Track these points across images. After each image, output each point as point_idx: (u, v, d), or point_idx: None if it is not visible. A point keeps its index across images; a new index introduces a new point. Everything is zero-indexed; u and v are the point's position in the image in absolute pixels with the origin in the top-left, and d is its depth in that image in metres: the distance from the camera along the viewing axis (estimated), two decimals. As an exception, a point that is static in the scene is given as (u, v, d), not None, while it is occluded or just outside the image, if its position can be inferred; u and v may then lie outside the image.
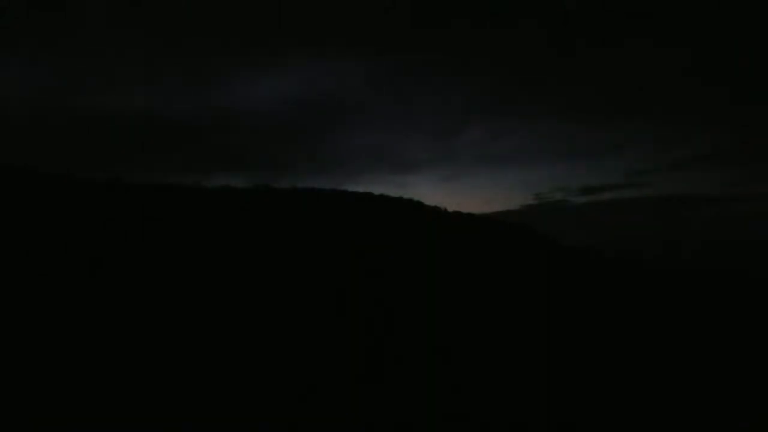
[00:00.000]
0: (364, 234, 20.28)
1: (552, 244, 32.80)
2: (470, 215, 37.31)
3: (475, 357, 9.23)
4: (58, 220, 13.07)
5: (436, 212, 34.92)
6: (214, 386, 6.41)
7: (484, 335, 10.74)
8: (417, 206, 35.15)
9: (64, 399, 5.35)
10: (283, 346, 8.23)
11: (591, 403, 7.74)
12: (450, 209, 36.69)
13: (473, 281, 16.21)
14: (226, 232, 15.63)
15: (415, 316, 11.24)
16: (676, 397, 8.38)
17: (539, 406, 7.41)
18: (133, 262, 11.02)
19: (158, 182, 25.77)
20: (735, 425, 7.48)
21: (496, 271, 18.78)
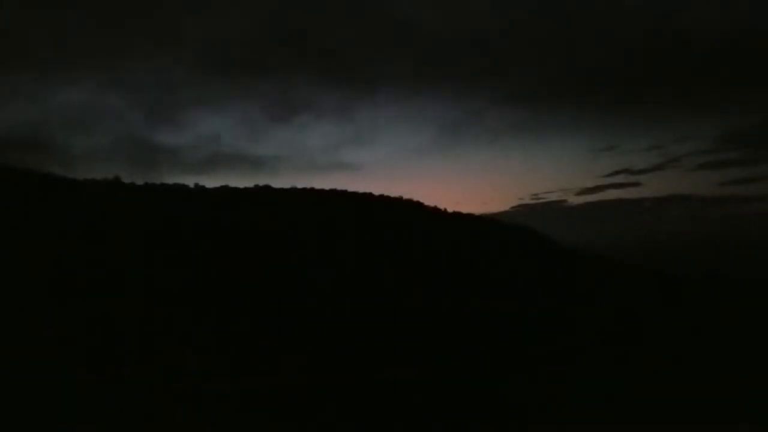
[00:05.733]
0: (365, 233, 20.26)
1: (553, 245, 32.85)
2: (470, 215, 37.38)
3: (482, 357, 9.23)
4: (57, 219, 13.04)
5: (436, 212, 34.98)
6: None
7: (484, 336, 10.74)
8: (417, 206, 35.20)
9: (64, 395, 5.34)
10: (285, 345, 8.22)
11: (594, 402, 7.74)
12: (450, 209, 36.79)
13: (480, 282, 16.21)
14: (228, 231, 15.60)
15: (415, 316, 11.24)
16: (681, 395, 8.39)
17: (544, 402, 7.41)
18: (133, 260, 11.00)
19: (158, 182, 25.84)
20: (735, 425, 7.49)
21: (502, 272, 18.79)
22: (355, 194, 33.62)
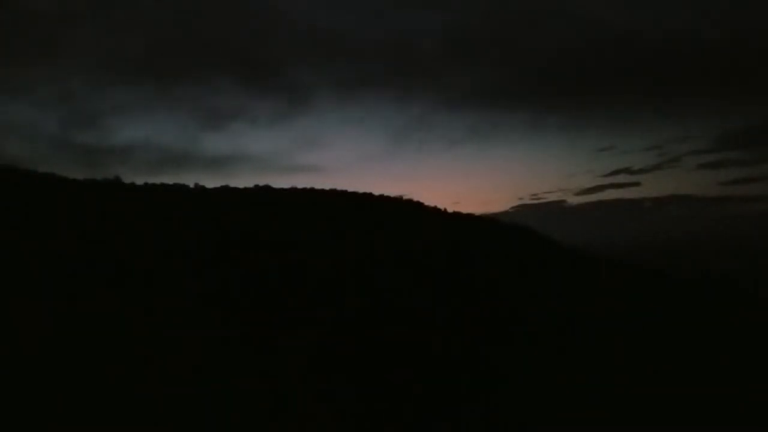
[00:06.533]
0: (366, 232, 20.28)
1: (553, 245, 32.87)
2: (470, 215, 37.40)
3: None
4: (58, 218, 13.06)
5: (436, 212, 35.03)
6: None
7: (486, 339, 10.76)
8: (417, 206, 35.31)
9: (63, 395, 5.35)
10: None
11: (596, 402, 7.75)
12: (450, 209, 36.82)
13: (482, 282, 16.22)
14: (228, 230, 15.62)
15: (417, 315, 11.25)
16: (678, 396, 8.41)
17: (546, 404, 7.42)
18: (133, 260, 11.01)
19: (158, 182, 25.90)
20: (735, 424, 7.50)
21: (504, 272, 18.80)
22: (355, 194, 33.80)
